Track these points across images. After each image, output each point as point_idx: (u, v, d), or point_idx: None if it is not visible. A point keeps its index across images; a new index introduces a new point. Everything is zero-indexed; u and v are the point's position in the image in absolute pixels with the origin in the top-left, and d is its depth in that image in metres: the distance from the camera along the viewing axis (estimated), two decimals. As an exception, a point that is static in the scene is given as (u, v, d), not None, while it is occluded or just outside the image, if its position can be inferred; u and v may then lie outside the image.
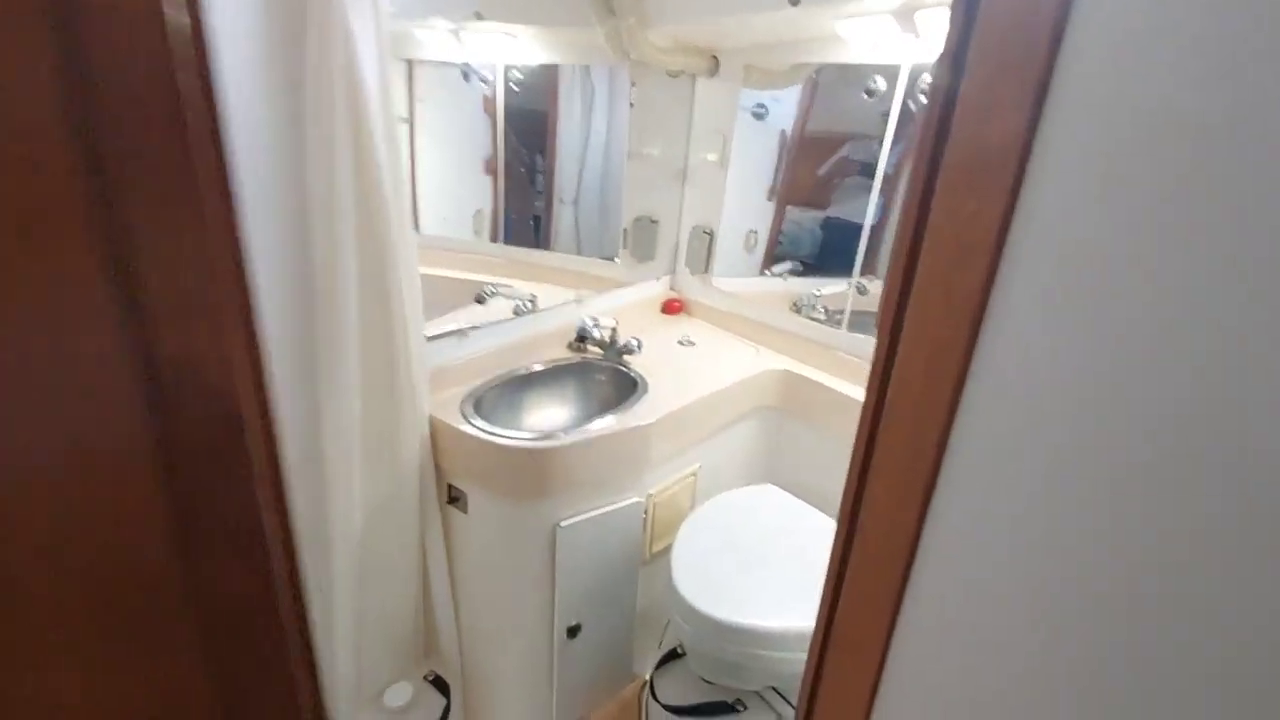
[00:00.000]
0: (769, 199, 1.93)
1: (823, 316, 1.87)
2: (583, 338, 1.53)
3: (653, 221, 1.88)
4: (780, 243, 1.92)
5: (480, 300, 1.57)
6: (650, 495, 1.36)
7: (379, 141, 0.93)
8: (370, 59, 0.89)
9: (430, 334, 1.28)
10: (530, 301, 1.60)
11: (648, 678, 1.55)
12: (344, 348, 1.01)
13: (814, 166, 1.83)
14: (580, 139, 2.10)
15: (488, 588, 1.29)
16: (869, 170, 1.60)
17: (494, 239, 2.12)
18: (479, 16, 1.58)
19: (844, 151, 1.71)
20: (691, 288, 1.91)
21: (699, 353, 1.64)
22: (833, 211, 1.86)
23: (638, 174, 1.86)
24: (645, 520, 1.37)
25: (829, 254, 1.91)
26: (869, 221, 1.59)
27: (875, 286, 1.61)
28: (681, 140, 1.80)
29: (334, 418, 1.04)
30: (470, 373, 1.34)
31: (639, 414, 1.29)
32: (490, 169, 2.10)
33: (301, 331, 0.98)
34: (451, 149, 2.15)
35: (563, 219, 2.25)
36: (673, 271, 1.94)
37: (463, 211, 2.18)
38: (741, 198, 1.79)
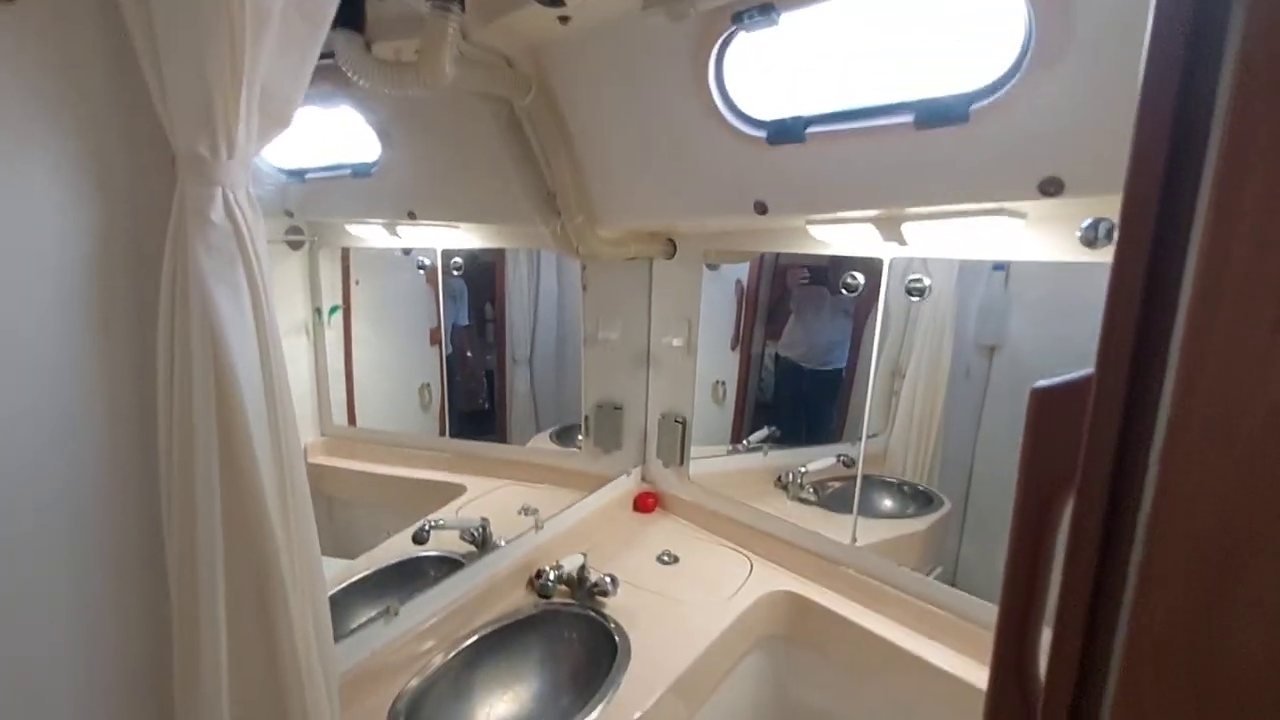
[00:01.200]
0: (733, 349, 1.80)
1: (813, 498, 1.68)
2: (544, 577, 1.27)
3: (616, 408, 1.69)
4: (751, 392, 1.79)
5: (419, 540, 1.31)
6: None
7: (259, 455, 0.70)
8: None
9: (351, 624, 1.00)
10: (480, 530, 1.34)
11: None
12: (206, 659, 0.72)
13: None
14: (530, 291, 1.96)
15: None
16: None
17: (441, 430, 1.90)
18: (412, 216, 1.44)
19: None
20: (666, 480, 1.69)
21: (684, 574, 1.39)
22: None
23: (597, 359, 1.70)
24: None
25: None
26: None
27: (855, 452, 1.44)
28: (641, 322, 1.66)
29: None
30: (402, 663, 1.05)
31: (626, 701, 1.01)
32: (435, 339, 1.93)
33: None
34: (391, 326, 1.97)
35: (517, 381, 2.05)
36: (643, 462, 1.73)
37: (408, 386, 1.97)
38: (704, 348, 1.64)
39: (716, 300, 1.66)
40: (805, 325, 1.78)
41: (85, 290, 0.62)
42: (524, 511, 1.45)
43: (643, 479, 1.74)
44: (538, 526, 1.37)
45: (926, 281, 1.29)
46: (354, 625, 1.02)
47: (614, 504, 1.63)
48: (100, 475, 0.66)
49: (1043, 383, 0.35)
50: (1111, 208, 0.55)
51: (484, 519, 1.36)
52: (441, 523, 1.33)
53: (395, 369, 2.01)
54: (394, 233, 1.57)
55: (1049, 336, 1.36)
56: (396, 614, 1.04)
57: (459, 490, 1.65)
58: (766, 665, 1.37)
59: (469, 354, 2.00)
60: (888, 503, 1.57)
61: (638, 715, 0.98)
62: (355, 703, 0.95)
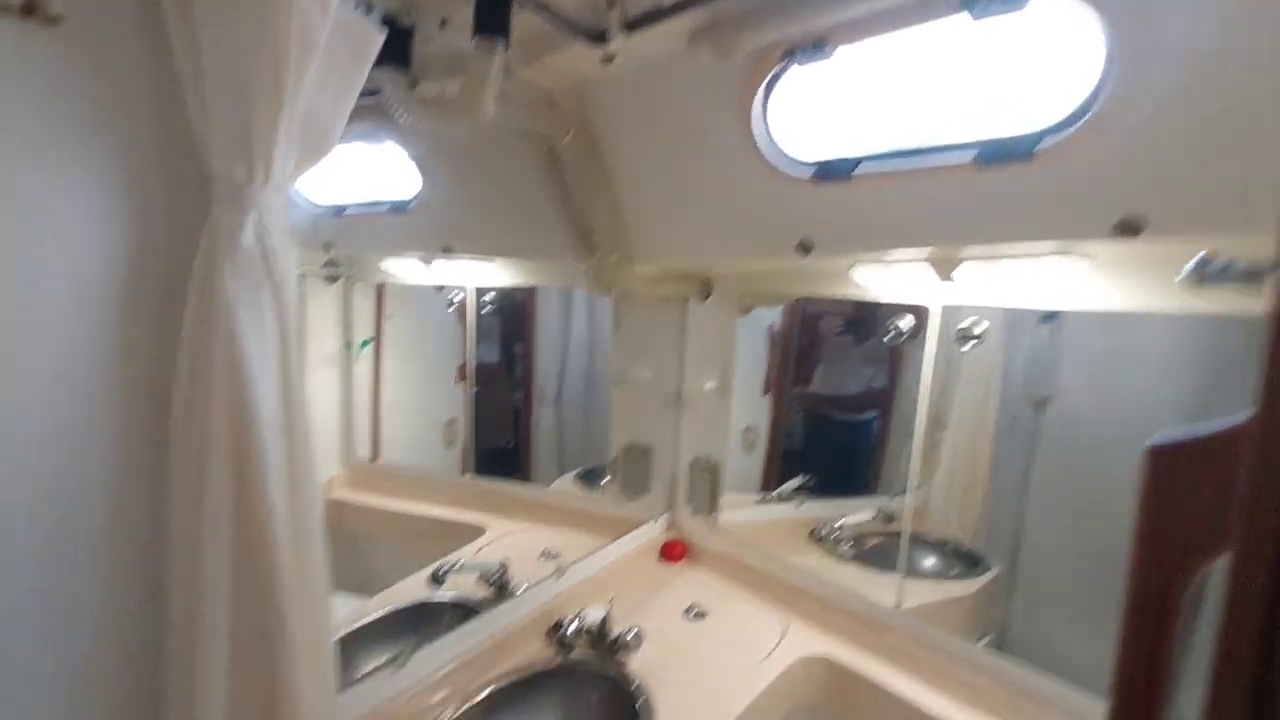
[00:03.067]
0: (764, 394, 1.74)
1: (851, 554, 1.58)
2: (564, 629, 1.20)
3: (645, 451, 1.64)
4: (782, 440, 1.72)
5: (437, 579, 1.26)
6: None
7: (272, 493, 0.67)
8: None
9: (359, 669, 0.95)
10: (499, 574, 1.28)
11: None
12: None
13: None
14: (560, 330, 1.94)
15: None
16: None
17: (465, 468, 1.87)
18: (447, 251, 1.44)
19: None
20: (695, 529, 1.62)
21: (712, 631, 1.31)
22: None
23: (626, 399, 1.66)
24: None
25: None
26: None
27: (893, 506, 1.36)
28: (674, 363, 1.62)
29: None
30: (411, 716, 0.99)
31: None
32: (463, 375, 1.92)
33: None
34: (420, 361, 1.96)
35: (543, 421, 2.01)
36: (671, 508, 1.66)
37: (434, 422, 1.95)
38: (735, 394, 1.58)
39: (748, 344, 1.62)
40: (837, 372, 1.73)
41: (114, 309, 0.61)
42: (545, 555, 1.39)
43: (670, 526, 1.67)
44: (559, 572, 1.31)
45: (985, 324, 1.22)
46: (362, 672, 0.96)
47: (639, 552, 1.56)
48: (109, 496, 0.63)
49: (1163, 439, 0.30)
50: (1200, 246, 0.50)
51: (503, 562, 1.31)
52: (460, 564, 1.28)
53: (422, 405, 2.00)
54: (428, 267, 1.57)
55: (1102, 389, 1.28)
56: (405, 664, 0.99)
57: (479, 531, 1.60)
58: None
59: (496, 392, 1.98)
60: (930, 561, 1.47)
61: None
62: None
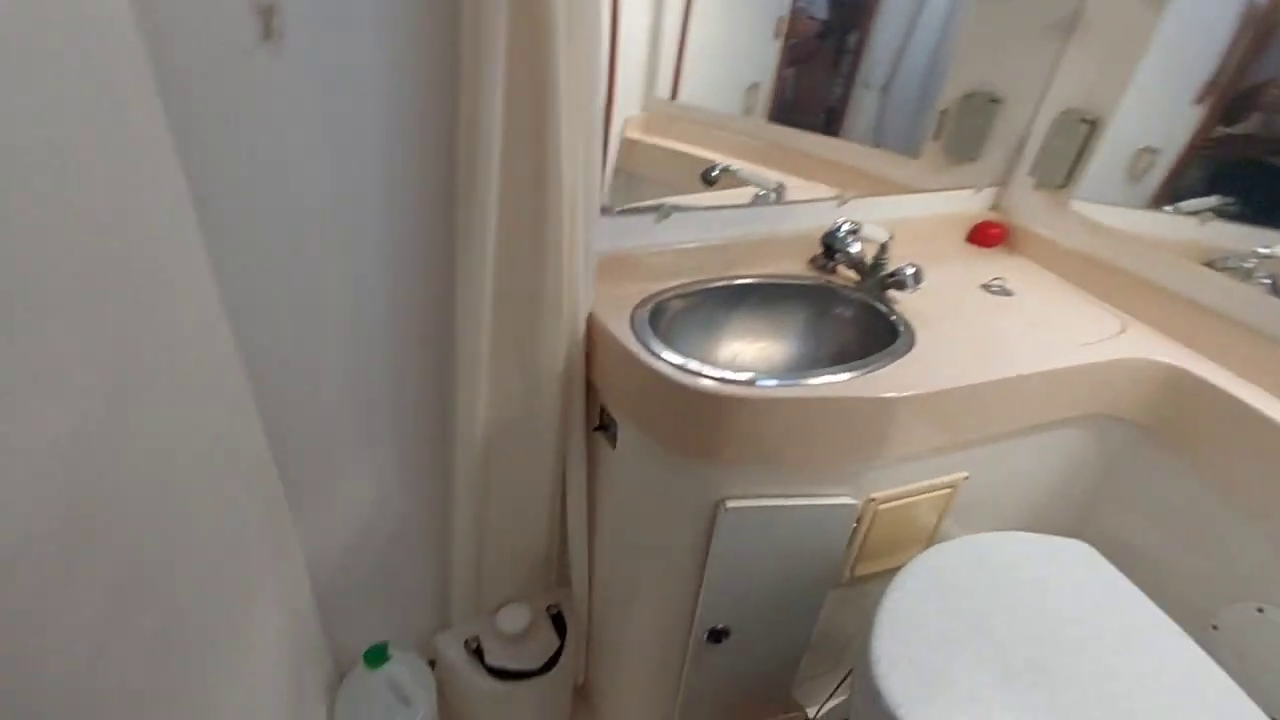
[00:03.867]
0: (1196, 102, 1.13)
1: (1268, 283, 1.08)
2: (831, 251, 1.06)
3: (993, 100, 1.24)
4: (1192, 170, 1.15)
5: (708, 180, 1.19)
6: (871, 499, 0.90)
7: None
8: None
9: (613, 207, 0.96)
10: (775, 192, 1.17)
11: (812, 717, 1.16)
12: (479, 191, 0.74)
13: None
14: (912, 5, 1.50)
15: (626, 544, 1.02)
16: None
17: (760, 116, 1.69)
18: None
19: None
20: (1031, 209, 1.26)
21: (1015, 308, 1.05)
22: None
23: (985, 25, 1.22)
24: (855, 531, 0.93)
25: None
26: None
27: None
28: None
29: (464, 275, 0.80)
30: (659, 269, 1.00)
31: (888, 379, 0.82)
32: (781, 30, 1.64)
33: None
34: (737, 3, 1.72)
35: (863, 106, 1.69)
36: (1004, 183, 1.30)
37: (736, 83, 1.78)
38: (1138, 91, 1.07)
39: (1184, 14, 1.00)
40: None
41: None
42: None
43: (994, 206, 1.32)
44: (839, 199, 1.14)
45: None
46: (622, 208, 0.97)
47: (946, 221, 1.29)
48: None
49: None
50: None
51: (780, 183, 1.17)
52: (735, 169, 1.19)
53: (727, 56, 1.79)
54: None
55: None
56: (668, 216, 0.97)
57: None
58: (1091, 452, 1.02)
59: (813, 61, 1.66)
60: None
61: (891, 394, 0.79)
62: (608, 283, 0.94)
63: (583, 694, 1.27)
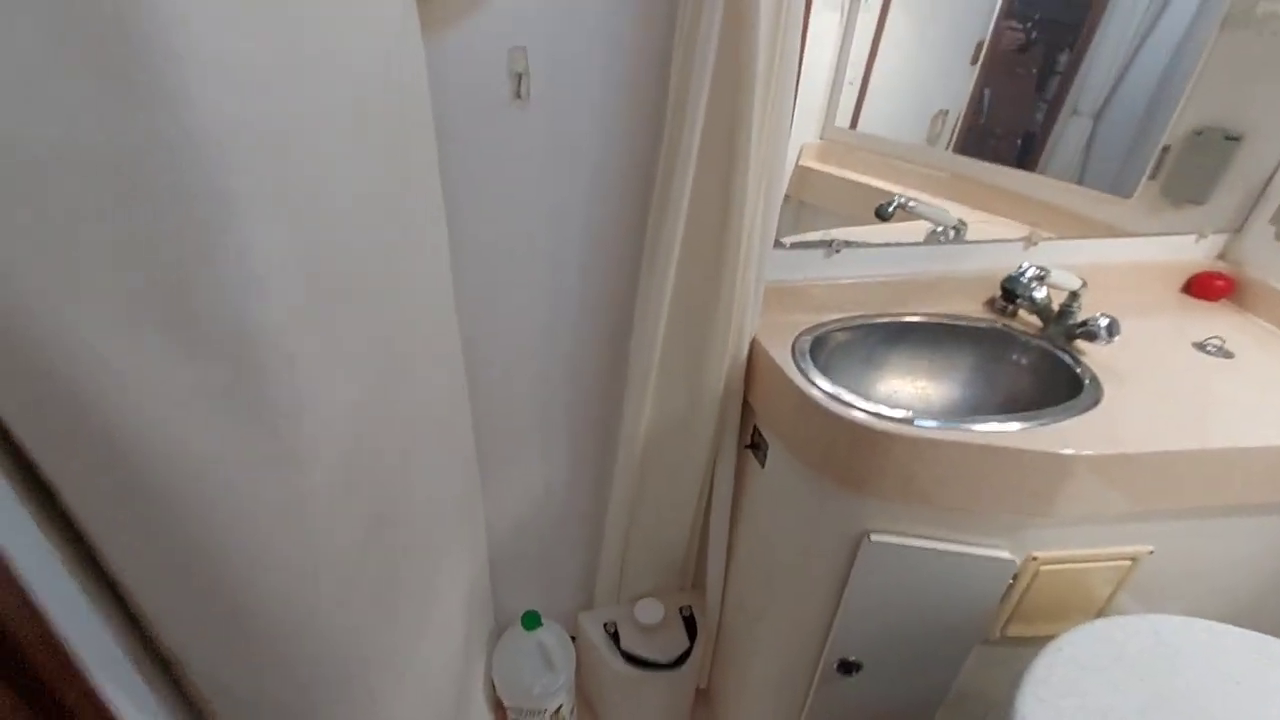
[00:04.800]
0: None
1: None
2: (1012, 295, 1.02)
3: (1229, 138, 1.11)
4: None
5: (882, 215, 1.19)
6: (1034, 558, 0.86)
7: None
8: None
9: (785, 240, 1.01)
10: (954, 229, 1.14)
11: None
12: (669, 221, 0.83)
13: None
14: (1141, 22, 1.36)
15: (764, 560, 1.05)
16: None
17: (945, 146, 1.62)
18: None
19: None
20: (1268, 262, 1.10)
21: (1235, 371, 0.94)
22: None
23: (1233, 50, 1.10)
24: (1011, 588, 0.89)
25: None
26: None
27: None
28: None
29: (645, 293, 0.90)
30: (826, 301, 1.03)
31: (1066, 433, 0.78)
32: (978, 57, 1.57)
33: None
34: (931, 28, 1.67)
35: (1069, 135, 1.56)
36: (1236, 230, 1.15)
37: (922, 111, 1.72)
38: None
39: None
40: None
41: None
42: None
43: (1220, 256, 1.17)
44: (1029, 241, 1.09)
45: None
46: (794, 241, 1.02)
47: (1153, 271, 1.17)
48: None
49: None
50: None
51: (961, 220, 1.15)
52: (912, 205, 1.18)
53: (916, 86, 1.74)
54: None
55: None
56: (839, 252, 1.00)
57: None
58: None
59: (1014, 81, 1.56)
60: None
61: (1068, 451, 0.75)
62: (774, 311, 0.99)
63: (704, 697, 1.32)
